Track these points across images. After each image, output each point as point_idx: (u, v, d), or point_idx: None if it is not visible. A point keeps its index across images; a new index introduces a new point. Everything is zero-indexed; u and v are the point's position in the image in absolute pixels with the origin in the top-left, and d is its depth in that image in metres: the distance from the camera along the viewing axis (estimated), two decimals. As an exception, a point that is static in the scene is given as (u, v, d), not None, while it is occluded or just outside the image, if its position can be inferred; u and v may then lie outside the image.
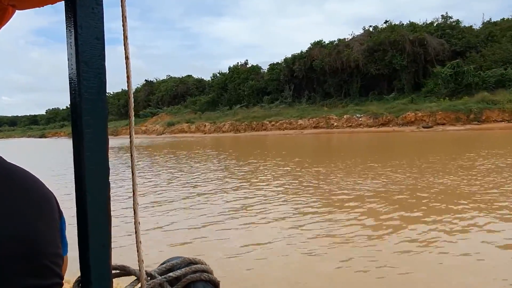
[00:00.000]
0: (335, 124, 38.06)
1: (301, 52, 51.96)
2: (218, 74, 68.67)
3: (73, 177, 0.72)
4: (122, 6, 0.72)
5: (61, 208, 0.78)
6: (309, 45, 51.47)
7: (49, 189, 0.76)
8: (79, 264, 0.72)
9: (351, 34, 48.99)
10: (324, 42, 50.32)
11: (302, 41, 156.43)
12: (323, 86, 50.38)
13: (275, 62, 59.23)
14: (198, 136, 45.82)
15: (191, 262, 0.90)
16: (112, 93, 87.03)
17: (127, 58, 0.74)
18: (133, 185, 0.77)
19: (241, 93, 59.94)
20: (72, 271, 0.90)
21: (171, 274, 0.86)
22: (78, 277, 0.75)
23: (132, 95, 0.76)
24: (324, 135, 35.30)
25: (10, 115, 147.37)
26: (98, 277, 0.71)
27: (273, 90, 56.22)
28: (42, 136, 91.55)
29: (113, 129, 68.89)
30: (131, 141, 0.77)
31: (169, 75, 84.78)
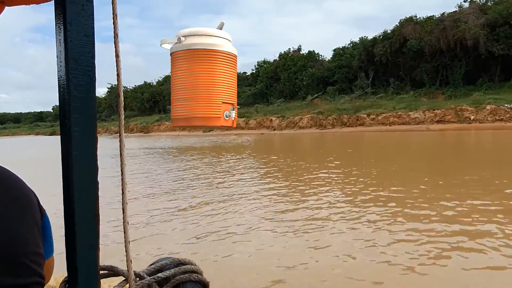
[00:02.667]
0: (472, 117, 28.60)
1: (385, 31, 42.51)
2: (263, 63, 59.22)
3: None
4: (113, 4, 0.72)
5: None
6: (396, 24, 42.00)
7: (30, 188, 0.74)
8: (66, 264, 0.70)
9: (457, 6, 39.52)
10: (418, 17, 40.86)
11: (300, 40, 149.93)
12: (411, 72, 41.02)
13: (341, 47, 50.05)
14: (267, 134, 36.45)
15: (180, 263, 0.89)
16: (134, 86, 77.64)
17: (117, 56, 0.73)
18: (122, 184, 0.75)
19: (298, 83, 50.60)
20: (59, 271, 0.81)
21: (160, 274, 0.85)
22: (65, 277, 0.73)
23: (122, 94, 0.76)
24: (457, 132, 26.08)
25: (13, 112, 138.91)
26: (85, 278, 0.70)
27: (341, 79, 46.90)
28: (53, 133, 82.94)
29: (143, 126, 59.46)
30: (120, 140, 0.76)
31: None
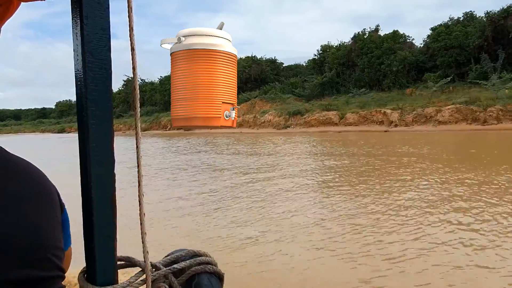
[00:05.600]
0: None
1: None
2: (327, 49, 48.81)
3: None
4: None
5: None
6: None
7: (51, 182, 0.75)
8: (84, 255, 0.73)
9: None
10: None
11: (300, 39, 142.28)
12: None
13: (442, 23, 39.84)
14: (393, 131, 26.18)
15: (195, 254, 0.91)
16: (160, 77, 67.11)
17: (132, 49, 0.74)
18: (138, 176, 0.76)
19: (383, 70, 40.30)
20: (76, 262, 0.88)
21: (175, 265, 0.87)
22: (84, 267, 0.76)
23: (138, 87, 0.76)
24: None
25: (13, 109, 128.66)
26: (103, 268, 0.72)
27: (446, 63, 36.66)
28: (62, 131, 72.85)
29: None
30: (136, 133, 0.77)
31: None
